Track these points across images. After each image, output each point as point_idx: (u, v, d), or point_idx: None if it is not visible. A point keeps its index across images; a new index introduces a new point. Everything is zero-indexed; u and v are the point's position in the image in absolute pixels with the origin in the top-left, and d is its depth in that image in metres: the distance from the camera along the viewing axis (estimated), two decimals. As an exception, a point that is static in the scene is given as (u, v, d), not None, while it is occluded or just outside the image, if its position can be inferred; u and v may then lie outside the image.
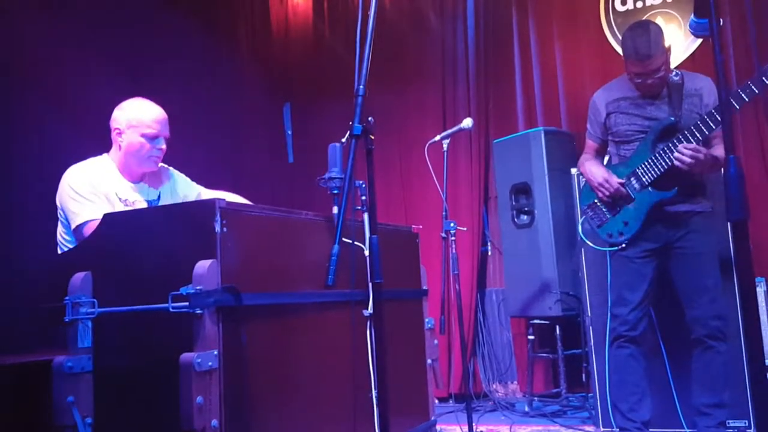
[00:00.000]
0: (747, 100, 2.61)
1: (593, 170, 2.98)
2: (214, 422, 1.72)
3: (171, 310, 1.73)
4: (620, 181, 2.90)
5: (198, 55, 4.99)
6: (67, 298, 1.90)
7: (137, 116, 2.58)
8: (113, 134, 2.61)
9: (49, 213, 2.58)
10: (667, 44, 2.83)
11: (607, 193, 2.90)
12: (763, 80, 2.57)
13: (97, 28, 4.10)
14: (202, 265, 1.76)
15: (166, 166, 2.79)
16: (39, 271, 2.28)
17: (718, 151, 2.78)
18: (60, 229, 2.56)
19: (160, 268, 1.86)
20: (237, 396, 1.80)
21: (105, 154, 2.65)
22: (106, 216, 2.06)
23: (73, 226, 2.47)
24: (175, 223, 1.91)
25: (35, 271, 2.31)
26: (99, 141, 2.66)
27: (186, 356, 1.70)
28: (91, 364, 1.90)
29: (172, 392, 1.70)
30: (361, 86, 1.80)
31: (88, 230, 2.41)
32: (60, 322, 1.89)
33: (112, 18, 4.23)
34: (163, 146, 2.63)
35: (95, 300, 1.91)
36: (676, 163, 2.74)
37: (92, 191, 2.49)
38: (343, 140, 1.88)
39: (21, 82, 3.62)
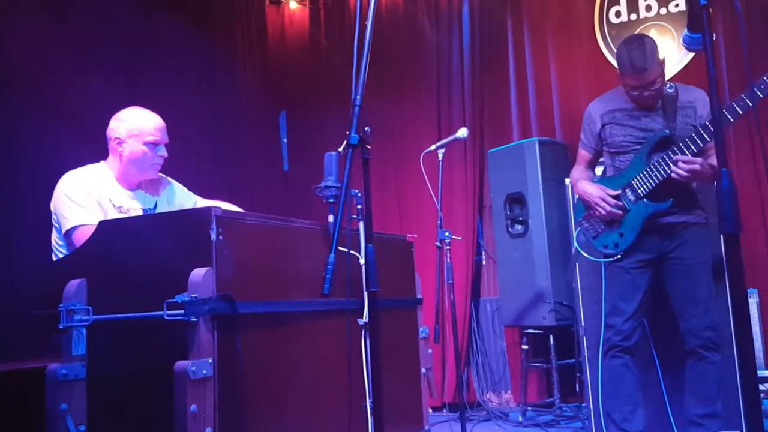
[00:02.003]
0: (741, 113, 2.63)
1: (588, 189, 2.99)
2: (208, 430, 1.72)
3: (166, 317, 1.73)
4: (615, 192, 2.91)
5: (194, 62, 5.00)
6: (61, 305, 1.90)
7: (138, 125, 2.60)
8: (112, 144, 2.61)
9: (45, 220, 2.58)
10: (661, 57, 2.86)
11: (603, 213, 2.91)
12: (756, 93, 2.59)
13: (94, 35, 4.10)
14: (198, 273, 1.76)
15: (163, 175, 2.80)
16: (34, 278, 2.28)
17: (715, 160, 2.80)
18: (54, 235, 2.56)
19: (155, 275, 1.86)
20: (231, 404, 1.80)
21: (102, 162, 2.65)
22: (101, 223, 2.06)
23: (63, 231, 2.48)
24: (170, 231, 1.91)
25: (30, 278, 2.30)
26: (96, 147, 2.67)
27: (180, 364, 1.70)
28: (85, 371, 1.90)
29: (166, 400, 1.70)
30: (359, 96, 1.81)
31: (78, 235, 2.41)
32: (54, 329, 1.89)
33: (109, 25, 4.23)
34: (165, 153, 2.65)
35: (90, 307, 1.91)
36: (673, 175, 2.75)
37: (85, 197, 2.49)
38: (340, 150, 1.89)
39: (18, 89, 3.62)
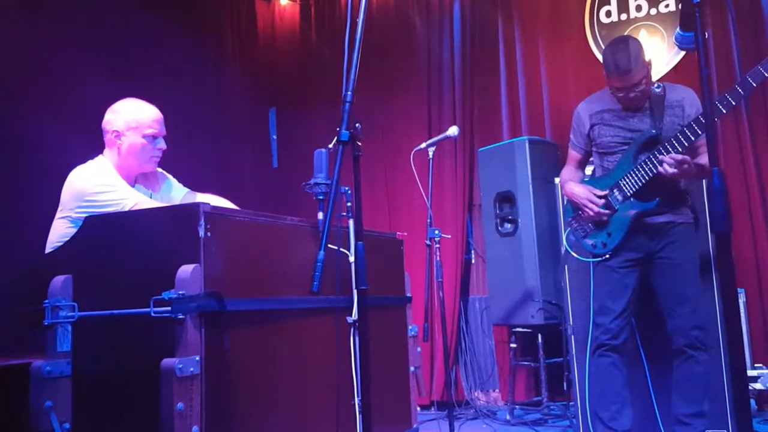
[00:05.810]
0: (725, 111, 2.64)
1: (575, 190, 3.00)
2: (195, 429, 1.70)
3: (153, 314, 1.72)
4: (603, 193, 2.93)
5: (184, 58, 4.95)
6: (46, 301, 1.88)
7: (136, 117, 2.56)
8: (110, 137, 2.56)
9: (30, 214, 2.54)
10: (647, 58, 2.86)
11: (591, 213, 2.92)
12: (739, 91, 2.60)
13: (84, 31, 4.06)
14: (185, 270, 1.74)
15: (160, 170, 2.76)
16: (19, 273, 2.24)
17: (703, 159, 2.81)
18: (61, 229, 2.40)
19: (142, 272, 1.85)
20: (218, 402, 1.78)
21: (100, 156, 2.60)
22: (87, 219, 2.04)
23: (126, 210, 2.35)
24: (158, 226, 1.89)
25: (15, 273, 2.26)
26: (86, 142, 2.63)
27: (167, 362, 1.68)
28: (70, 368, 1.88)
29: (152, 398, 1.68)
30: (349, 92, 1.79)
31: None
32: (39, 325, 1.87)
33: (96, 20, 4.18)
34: (164, 146, 2.62)
35: (75, 303, 1.88)
36: (660, 169, 2.76)
37: (119, 180, 2.48)
38: (330, 146, 1.88)
39: (6, 83, 3.57)
